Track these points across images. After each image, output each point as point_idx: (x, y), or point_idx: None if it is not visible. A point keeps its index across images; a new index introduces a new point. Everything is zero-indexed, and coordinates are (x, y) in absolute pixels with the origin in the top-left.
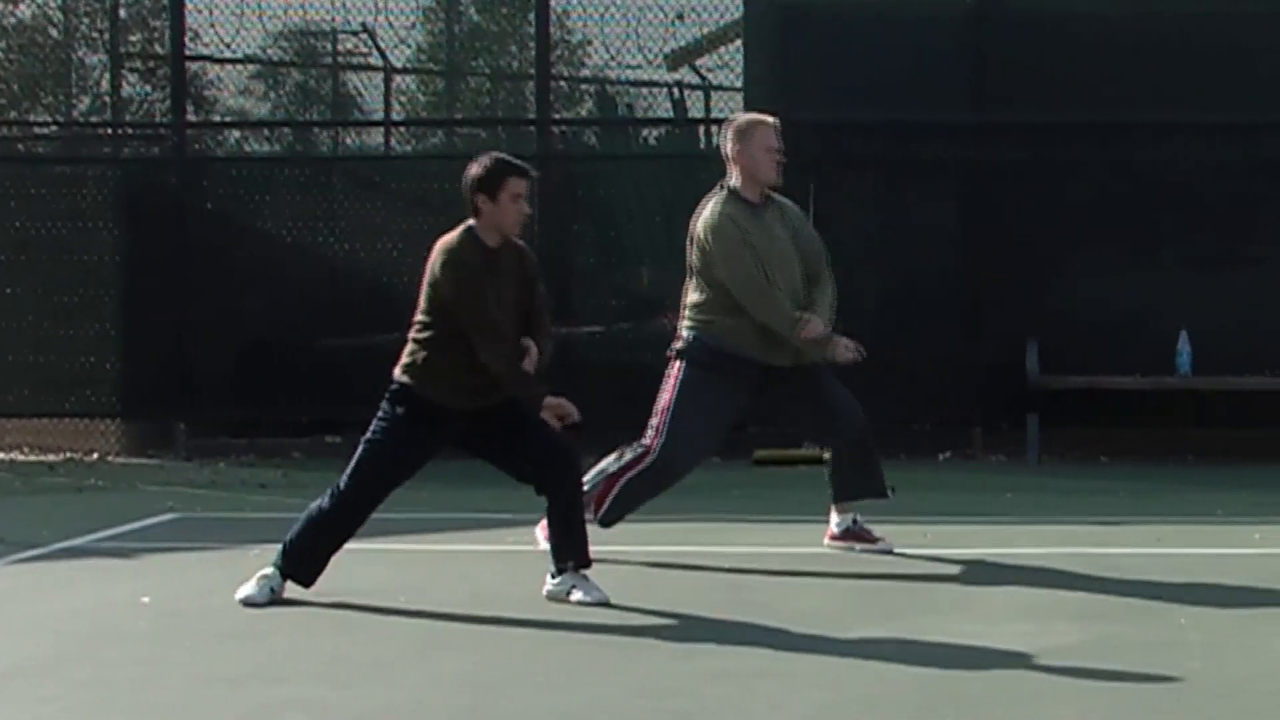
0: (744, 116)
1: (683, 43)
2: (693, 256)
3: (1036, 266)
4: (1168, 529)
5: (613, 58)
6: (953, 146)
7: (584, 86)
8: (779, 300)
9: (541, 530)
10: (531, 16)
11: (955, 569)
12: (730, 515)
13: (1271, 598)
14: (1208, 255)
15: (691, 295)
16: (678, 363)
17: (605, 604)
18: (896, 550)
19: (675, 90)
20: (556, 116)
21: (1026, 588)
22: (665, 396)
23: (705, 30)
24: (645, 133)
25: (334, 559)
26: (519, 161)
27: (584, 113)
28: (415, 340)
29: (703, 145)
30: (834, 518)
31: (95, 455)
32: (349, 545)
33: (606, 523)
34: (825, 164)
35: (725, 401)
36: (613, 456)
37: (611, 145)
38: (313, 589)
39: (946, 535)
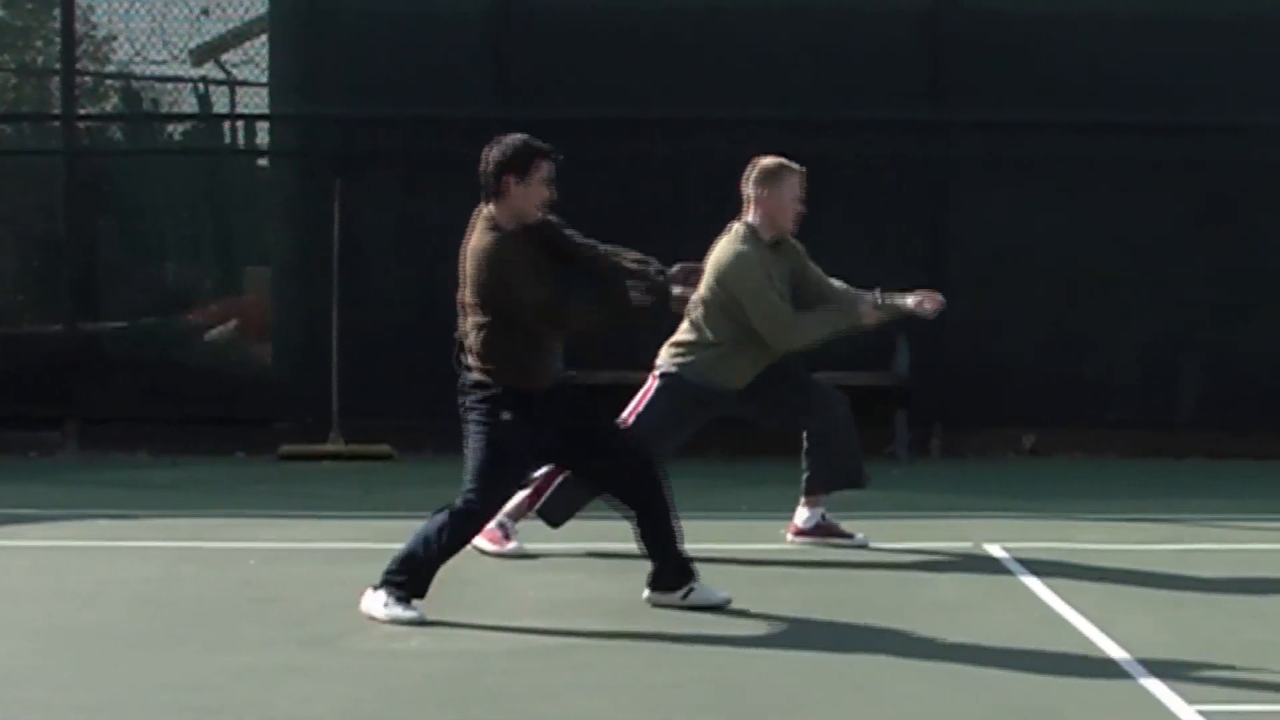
0: (772, 160)
1: (208, 38)
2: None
3: None
4: (695, 525)
5: (138, 53)
6: (476, 143)
7: (109, 82)
8: (809, 324)
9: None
10: (56, 11)
11: (489, 564)
12: (254, 511)
13: (800, 593)
14: None
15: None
16: (657, 382)
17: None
18: None
19: (200, 85)
20: (82, 112)
21: (553, 584)
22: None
23: (231, 25)
24: (171, 128)
25: None
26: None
27: (109, 108)
28: None
29: (228, 140)
30: (802, 512)
31: None
32: None
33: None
34: (349, 158)
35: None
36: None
37: (137, 141)
38: None
39: None
